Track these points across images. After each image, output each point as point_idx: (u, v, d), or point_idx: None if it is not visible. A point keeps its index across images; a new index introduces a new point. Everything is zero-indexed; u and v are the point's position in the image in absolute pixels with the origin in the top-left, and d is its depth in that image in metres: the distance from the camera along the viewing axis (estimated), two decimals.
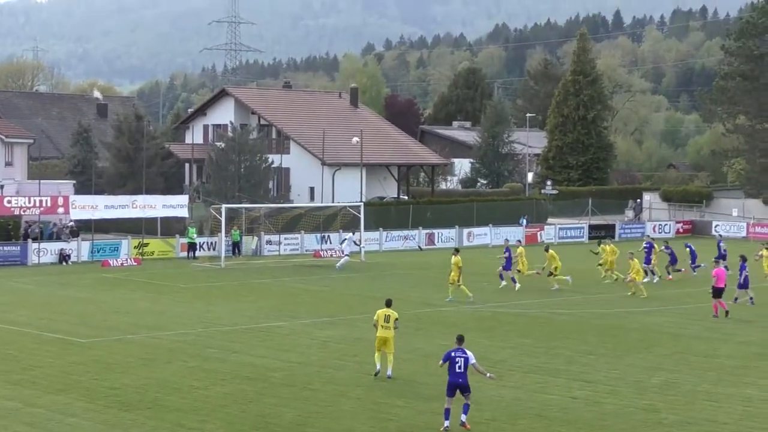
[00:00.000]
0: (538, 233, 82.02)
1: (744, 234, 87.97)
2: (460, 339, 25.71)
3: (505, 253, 52.72)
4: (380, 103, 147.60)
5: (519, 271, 52.21)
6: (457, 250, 49.11)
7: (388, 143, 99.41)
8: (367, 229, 68.24)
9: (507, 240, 59.64)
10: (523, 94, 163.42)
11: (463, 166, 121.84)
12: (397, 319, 30.37)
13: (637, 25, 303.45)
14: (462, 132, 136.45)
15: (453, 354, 25.04)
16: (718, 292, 42.46)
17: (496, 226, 79.89)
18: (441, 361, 25.47)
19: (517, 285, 50.84)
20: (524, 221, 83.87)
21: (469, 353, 25.06)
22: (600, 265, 56.17)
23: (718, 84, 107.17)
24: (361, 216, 66.68)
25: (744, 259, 46.74)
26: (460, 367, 24.83)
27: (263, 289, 51.40)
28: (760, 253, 55.43)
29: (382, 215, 79.97)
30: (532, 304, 45.96)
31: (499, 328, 39.08)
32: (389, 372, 29.95)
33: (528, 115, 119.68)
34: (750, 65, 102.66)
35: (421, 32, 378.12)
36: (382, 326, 30.08)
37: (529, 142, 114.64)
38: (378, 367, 30.16)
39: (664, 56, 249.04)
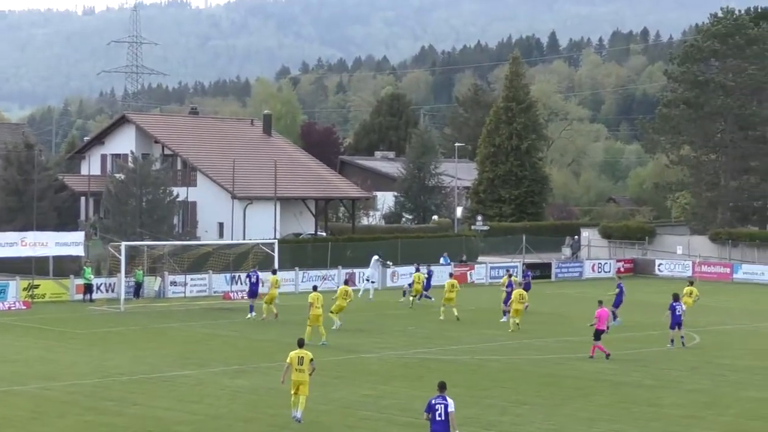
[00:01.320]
0: (468, 273, 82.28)
1: (690, 273, 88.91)
2: (442, 386, 25.86)
3: (507, 287, 55.79)
4: (296, 132, 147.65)
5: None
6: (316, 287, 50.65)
7: (305, 175, 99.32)
8: (281, 268, 67.96)
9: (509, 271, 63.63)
10: (451, 121, 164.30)
11: (386, 199, 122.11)
12: (312, 359, 30.69)
13: (574, 48, 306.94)
14: (385, 163, 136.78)
15: (434, 402, 25.30)
16: (598, 334, 43.27)
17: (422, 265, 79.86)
18: (424, 413, 25.59)
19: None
20: (446, 259, 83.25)
21: (449, 400, 25.27)
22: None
23: (661, 112, 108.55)
24: (275, 254, 66.49)
25: (676, 298, 47.48)
26: (440, 415, 25.11)
27: (167, 335, 51.02)
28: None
29: (298, 253, 79.78)
30: (461, 350, 46.07)
31: (427, 376, 39.08)
32: (299, 414, 30.19)
33: (457, 144, 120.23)
34: (695, 92, 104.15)
35: (341, 54, 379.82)
36: (296, 369, 30.27)
37: (458, 173, 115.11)
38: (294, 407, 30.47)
39: (602, 81, 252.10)
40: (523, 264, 67.77)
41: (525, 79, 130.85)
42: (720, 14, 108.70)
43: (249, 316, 56.69)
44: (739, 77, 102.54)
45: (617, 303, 54.63)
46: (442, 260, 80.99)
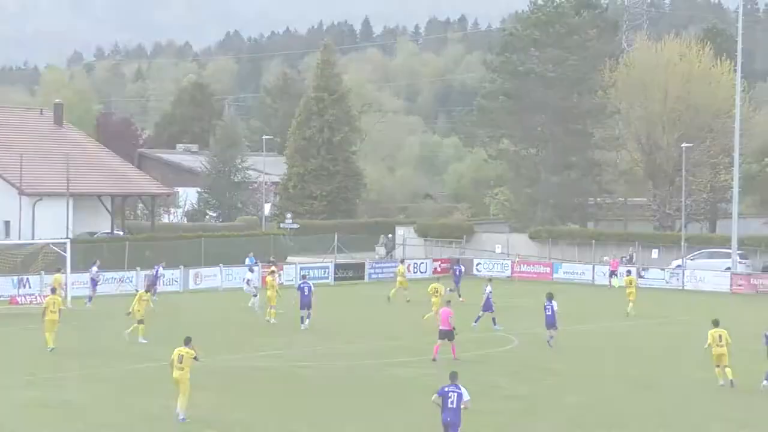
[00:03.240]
0: (278, 273, 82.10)
1: (509, 273, 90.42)
2: (454, 376, 27.94)
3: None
4: (91, 123, 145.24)
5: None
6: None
7: (100, 169, 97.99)
8: (74, 269, 67.03)
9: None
10: (259, 113, 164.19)
11: (188, 196, 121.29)
12: (195, 357, 32.34)
13: (389, 36, 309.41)
14: (188, 157, 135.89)
15: (447, 389, 27.31)
16: (443, 334, 44.00)
17: (227, 266, 79.64)
18: (435, 395, 27.53)
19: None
20: (251, 260, 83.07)
21: (463, 389, 27.31)
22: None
23: (480, 103, 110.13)
24: (68, 255, 65.53)
25: (549, 297, 49.28)
26: (452, 403, 27.11)
27: None
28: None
29: (93, 253, 78.55)
30: (272, 356, 46.07)
31: (235, 384, 39.13)
32: (182, 415, 31.14)
33: (264, 137, 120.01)
34: (514, 83, 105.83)
35: (139, 40, 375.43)
36: (175, 367, 31.34)
37: (266, 168, 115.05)
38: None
39: (419, 71, 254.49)
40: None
41: (337, 67, 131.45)
42: (540, 1, 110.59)
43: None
44: (560, 68, 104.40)
45: (487, 307, 55.28)
46: (248, 261, 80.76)
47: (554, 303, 49.23)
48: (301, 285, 55.93)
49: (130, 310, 50.76)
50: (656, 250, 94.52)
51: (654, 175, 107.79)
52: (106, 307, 62.09)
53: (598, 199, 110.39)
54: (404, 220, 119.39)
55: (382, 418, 33.80)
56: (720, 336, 40.12)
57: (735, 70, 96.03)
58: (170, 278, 76.50)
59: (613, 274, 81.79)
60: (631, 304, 63.00)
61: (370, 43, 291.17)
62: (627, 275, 70.79)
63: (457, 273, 72.07)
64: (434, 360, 43.78)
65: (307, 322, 54.80)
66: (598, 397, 37.97)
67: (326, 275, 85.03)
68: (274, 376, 41.30)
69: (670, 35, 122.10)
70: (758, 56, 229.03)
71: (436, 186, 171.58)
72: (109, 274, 73.80)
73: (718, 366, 40.21)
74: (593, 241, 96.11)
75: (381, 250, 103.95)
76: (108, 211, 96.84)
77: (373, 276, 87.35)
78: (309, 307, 54.81)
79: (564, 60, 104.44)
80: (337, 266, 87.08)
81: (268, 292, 58.05)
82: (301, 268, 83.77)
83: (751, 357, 41.88)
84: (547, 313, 48.73)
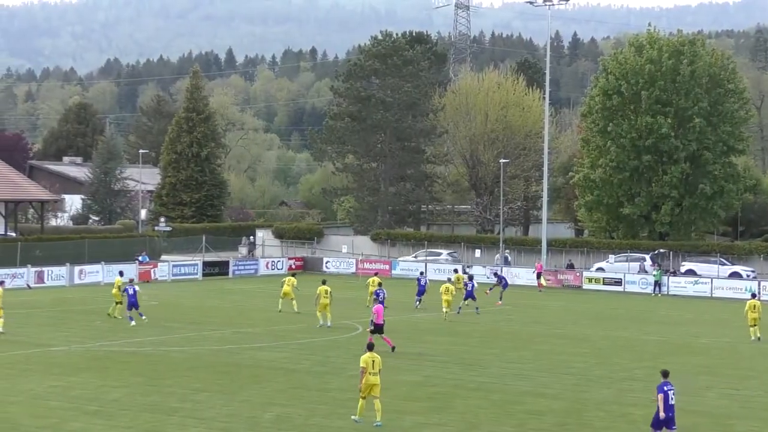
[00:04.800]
0: (152, 270, 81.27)
1: (353, 270, 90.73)
2: (666, 373, 26.69)
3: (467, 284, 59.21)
4: None
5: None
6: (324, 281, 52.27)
7: None
8: None
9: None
10: (135, 130, 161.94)
11: (74, 202, 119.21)
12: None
13: (249, 65, 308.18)
14: (73, 168, 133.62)
15: (666, 388, 26.11)
16: (379, 328, 43.27)
17: (108, 263, 78.53)
18: (657, 394, 26.20)
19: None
20: (144, 258, 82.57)
21: (674, 386, 26.51)
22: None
23: (328, 124, 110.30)
24: None
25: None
26: (672, 399, 26.13)
27: None
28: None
29: None
30: (144, 342, 45.40)
31: (113, 368, 38.30)
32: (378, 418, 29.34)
33: (141, 151, 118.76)
34: (358, 106, 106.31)
35: (29, 65, 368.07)
36: (370, 373, 29.34)
37: (143, 178, 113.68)
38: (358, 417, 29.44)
39: (275, 95, 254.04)
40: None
41: (204, 91, 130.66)
42: (380, 37, 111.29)
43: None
44: (397, 94, 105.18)
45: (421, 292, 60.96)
46: (140, 258, 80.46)
47: (384, 290, 51.20)
48: (126, 288, 52.02)
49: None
50: (479, 250, 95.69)
51: (476, 186, 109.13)
52: None
53: (430, 206, 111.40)
54: (263, 224, 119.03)
55: (241, 394, 33.47)
56: (754, 306, 49.81)
57: (543, 98, 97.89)
58: (57, 274, 75.19)
59: (539, 275, 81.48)
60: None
61: (233, 70, 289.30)
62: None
63: (422, 283, 64.06)
64: (393, 349, 42.72)
65: (134, 322, 51.10)
66: (427, 375, 38.09)
67: (195, 272, 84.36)
68: (147, 360, 40.63)
69: (490, 67, 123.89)
70: (563, 86, 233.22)
71: (291, 194, 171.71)
72: (2, 271, 71.99)
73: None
74: (426, 242, 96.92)
75: (243, 250, 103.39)
76: (1, 215, 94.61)
77: (237, 272, 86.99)
78: (137, 306, 51.27)
79: (400, 87, 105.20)
80: (205, 264, 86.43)
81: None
82: (173, 265, 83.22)
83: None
84: (379, 298, 48.99)
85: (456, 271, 72.01)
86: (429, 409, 31.74)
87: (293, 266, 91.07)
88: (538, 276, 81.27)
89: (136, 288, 52.18)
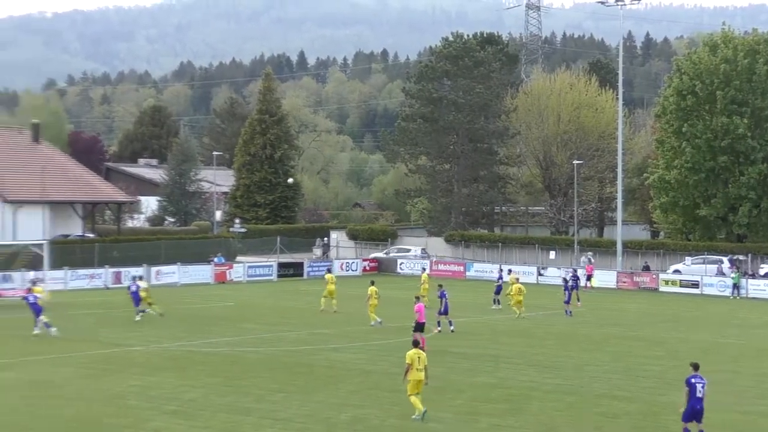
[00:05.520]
0: (228, 271, 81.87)
1: (428, 271, 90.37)
2: (696, 366, 27.26)
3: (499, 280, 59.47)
4: (63, 140, 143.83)
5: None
6: (372, 282, 53.21)
7: (73, 181, 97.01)
8: (51, 267, 66.30)
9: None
10: (209, 132, 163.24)
11: (150, 203, 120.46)
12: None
13: (321, 67, 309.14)
14: (148, 169, 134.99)
15: (693, 380, 26.63)
16: (420, 327, 43.61)
17: (184, 264, 79.26)
18: (685, 387, 26.87)
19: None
20: (220, 259, 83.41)
21: (704, 379, 27.00)
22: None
23: (400, 125, 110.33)
24: (45, 254, 64.81)
25: (441, 287, 50.86)
26: (699, 392, 26.50)
27: None
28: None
29: (67, 253, 77.93)
30: (221, 343, 45.72)
31: (190, 368, 38.63)
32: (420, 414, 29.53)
33: (215, 153, 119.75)
34: (429, 108, 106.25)
35: (105, 69, 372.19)
36: (416, 369, 29.55)
37: (217, 180, 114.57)
38: (420, 411, 29.54)
39: (347, 97, 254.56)
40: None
41: (277, 93, 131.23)
42: (450, 38, 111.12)
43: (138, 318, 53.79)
44: (469, 95, 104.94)
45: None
46: (216, 260, 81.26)
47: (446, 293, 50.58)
48: (130, 285, 54.53)
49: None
50: (553, 252, 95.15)
51: (550, 188, 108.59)
52: (80, 299, 61.35)
53: (503, 207, 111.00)
54: (337, 225, 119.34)
55: (317, 395, 33.59)
56: None
57: (617, 98, 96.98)
58: (134, 275, 75.80)
59: (590, 277, 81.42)
60: None
61: (305, 72, 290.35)
62: None
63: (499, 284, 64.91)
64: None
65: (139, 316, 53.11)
66: (502, 377, 37.99)
67: (270, 273, 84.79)
68: (224, 360, 40.92)
69: (562, 68, 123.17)
70: (636, 86, 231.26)
71: (364, 195, 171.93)
72: (81, 271, 73.08)
73: None
74: (500, 244, 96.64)
75: (317, 251, 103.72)
76: (79, 216, 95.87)
77: (311, 274, 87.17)
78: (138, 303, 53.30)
79: (472, 88, 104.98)
80: (280, 265, 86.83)
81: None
82: (248, 267, 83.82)
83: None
84: (446, 300, 49.63)
85: (510, 271, 71.48)
86: (504, 411, 31.64)
87: (367, 267, 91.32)
88: (588, 278, 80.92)
89: (140, 285, 53.53)
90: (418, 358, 29.81)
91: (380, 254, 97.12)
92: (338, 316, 56.17)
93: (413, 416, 29.74)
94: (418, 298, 46.58)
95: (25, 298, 49.27)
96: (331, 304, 57.98)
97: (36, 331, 47.58)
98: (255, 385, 35.12)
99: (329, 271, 60.21)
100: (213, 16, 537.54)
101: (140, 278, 57.82)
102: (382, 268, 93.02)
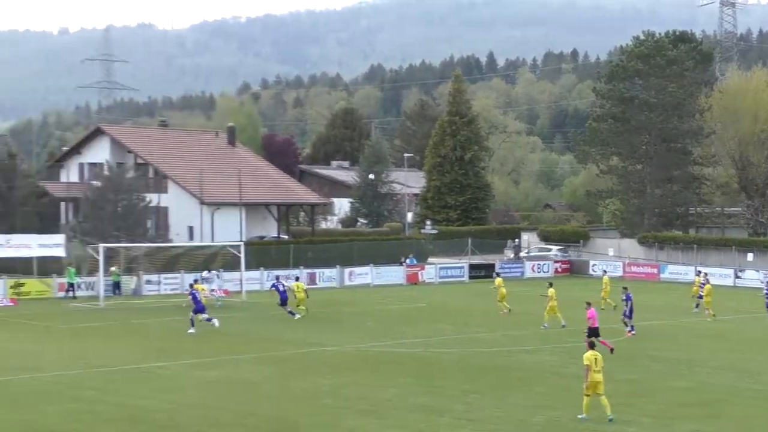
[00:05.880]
0: (419, 273, 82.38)
1: (621, 273, 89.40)
2: None
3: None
4: (258, 143, 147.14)
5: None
6: (551, 284, 54.05)
7: (267, 183, 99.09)
8: (248, 268, 67.83)
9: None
10: (400, 134, 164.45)
11: (342, 205, 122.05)
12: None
13: (510, 68, 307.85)
14: (341, 172, 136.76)
15: None
16: (594, 332, 42.94)
17: (377, 266, 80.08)
18: None
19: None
20: (411, 260, 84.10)
21: None
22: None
23: (591, 126, 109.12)
24: (242, 255, 66.28)
25: (626, 289, 50.28)
26: None
27: (144, 329, 50.70)
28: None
29: (262, 255, 79.56)
30: (414, 343, 46.02)
31: (384, 368, 39.02)
32: (610, 413, 29.82)
33: (406, 155, 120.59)
34: (621, 107, 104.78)
35: (297, 72, 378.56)
36: (594, 371, 29.92)
37: (408, 182, 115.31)
38: (585, 415, 29.89)
39: (537, 98, 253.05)
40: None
41: (467, 95, 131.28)
42: (642, 37, 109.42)
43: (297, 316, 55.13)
44: (661, 94, 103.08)
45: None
46: (408, 261, 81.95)
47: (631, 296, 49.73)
48: (276, 284, 54.68)
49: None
50: (751, 254, 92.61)
51: (747, 188, 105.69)
52: (275, 299, 62.41)
53: (698, 208, 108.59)
54: (528, 226, 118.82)
55: (511, 397, 33.52)
56: None
57: None
58: (328, 276, 77.22)
59: None
60: None
61: (494, 73, 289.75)
62: None
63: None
64: (611, 351, 42.45)
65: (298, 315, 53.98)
66: (698, 381, 37.24)
67: (462, 274, 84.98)
68: (417, 361, 41.18)
69: (758, 65, 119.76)
70: None
71: (555, 196, 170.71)
72: (276, 272, 74.29)
73: None
74: (695, 246, 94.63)
75: (509, 253, 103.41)
76: (274, 218, 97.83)
77: (503, 275, 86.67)
78: (285, 304, 53.42)
79: (664, 87, 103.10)
80: (471, 266, 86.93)
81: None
82: (440, 268, 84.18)
83: None
84: (631, 303, 49.12)
85: (698, 273, 69.82)
86: (703, 416, 30.99)
87: (559, 269, 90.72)
88: None
89: (285, 284, 54.30)
90: (596, 359, 29.92)
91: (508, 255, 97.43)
92: (531, 318, 55.88)
93: (579, 416, 29.90)
94: (589, 303, 45.89)
95: (191, 294, 50.90)
96: (501, 306, 58.27)
97: (191, 331, 49.22)
98: (448, 386, 35.25)
99: (498, 275, 60.00)
100: (402, 18, 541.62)
101: (296, 279, 59.16)
102: (574, 270, 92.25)
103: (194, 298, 50.15)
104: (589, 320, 43.49)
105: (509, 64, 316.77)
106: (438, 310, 60.96)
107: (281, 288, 53.91)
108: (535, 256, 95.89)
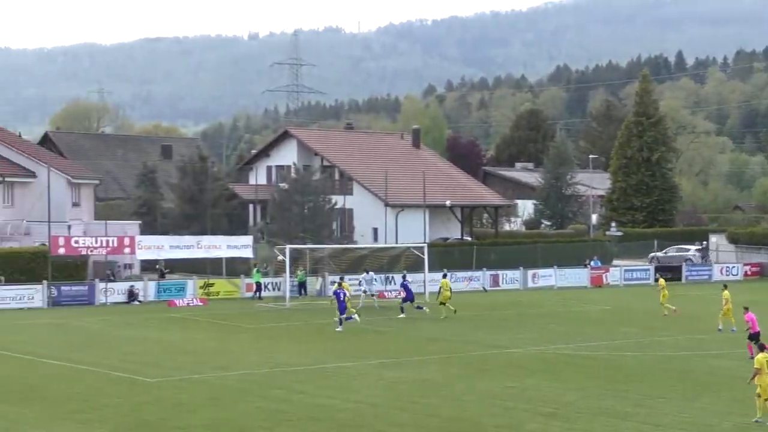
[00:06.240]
0: (604, 275, 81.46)
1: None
2: None
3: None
4: (442, 145, 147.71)
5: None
6: (725, 286, 52.46)
7: (451, 185, 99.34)
8: (431, 270, 68.12)
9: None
10: (585, 135, 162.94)
11: (526, 207, 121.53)
12: None
13: (700, 66, 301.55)
14: (525, 173, 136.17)
15: None
16: (754, 337, 41.81)
17: (560, 268, 79.48)
18: None
19: None
20: (596, 263, 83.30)
21: None
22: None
23: None
24: (425, 257, 66.58)
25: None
26: None
27: (328, 330, 51.32)
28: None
29: (445, 256, 79.71)
30: (598, 346, 45.54)
31: (566, 370, 38.73)
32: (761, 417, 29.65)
33: (591, 156, 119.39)
34: None
35: (482, 74, 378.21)
36: (765, 373, 29.82)
37: (593, 183, 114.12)
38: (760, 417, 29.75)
39: (727, 97, 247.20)
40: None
41: (654, 95, 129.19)
42: None
43: (401, 315, 56.58)
44: None
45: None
46: (592, 263, 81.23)
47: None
48: (337, 291, 52.31)
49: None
50: None
51: None
52: (459, 301, 62.56)
53: None
54: (716, 228, 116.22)
55: (697, 401, 32.86)
56: None
57: None
58: (511, 277, 77.03)
59: None
60: None
61: (683, 73, 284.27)
62: None
63: None
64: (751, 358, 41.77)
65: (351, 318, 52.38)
66: None
67: (647, 276, 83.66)
68: (600, 364, 40.74)
69: None
70: None
71: (744, 198, 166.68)
72: (459, 274, 74.64)
73: None
74: None
75: (696, 255, 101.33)
76: (458, 220, 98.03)
77: (690, 278, 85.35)
78: (344, 311, 51.29)
79: None
80: (657, 269, 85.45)
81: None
82: (625, 270, 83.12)
83: None
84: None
85: None
86: None
87: (749, 272, 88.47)
88: None
89: (346, 293, 52.23)
90: (767, 362, 29.60)
91: (659, 254, 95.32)
92: (714, 322, 54.70)
93: (754, 419, 29.40)
94: (747, 308, 44.39)
95: (336, 293, 51.58)
96: (665, 307, 57.58)
97: (339, 329, 49.71)
98: (633, 390, 34.78)
99: (725, 287, 57.60)
100: (588, 18, 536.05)
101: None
102: (765, 273, 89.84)
103: (338, 297, 50.93)
104: (747, 323, 42.53)
105: (698, 63, 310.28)
106: (623, 312, 60.19)
107: (341, 297, 52.48)
108: (671, 257, 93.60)
